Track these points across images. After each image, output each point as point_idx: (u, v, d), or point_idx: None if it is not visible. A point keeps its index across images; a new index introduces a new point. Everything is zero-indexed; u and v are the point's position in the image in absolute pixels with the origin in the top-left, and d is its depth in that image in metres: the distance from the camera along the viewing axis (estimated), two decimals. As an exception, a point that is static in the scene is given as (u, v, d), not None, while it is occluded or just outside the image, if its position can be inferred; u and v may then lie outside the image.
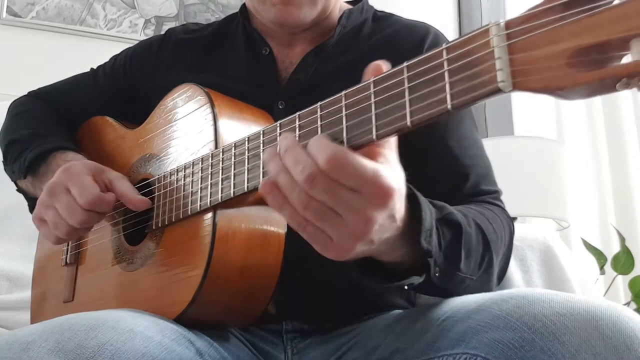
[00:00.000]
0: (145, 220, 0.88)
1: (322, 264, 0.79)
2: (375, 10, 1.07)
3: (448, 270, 0.73)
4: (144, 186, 0.90)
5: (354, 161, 0.54)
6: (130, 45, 1.16)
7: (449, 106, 0.52)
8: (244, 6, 1.05)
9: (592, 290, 1.56)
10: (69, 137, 1.07)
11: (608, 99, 2.52)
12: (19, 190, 1.08)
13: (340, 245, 0.58)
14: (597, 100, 2.56)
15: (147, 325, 0.70)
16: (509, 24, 0.49)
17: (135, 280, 0.86)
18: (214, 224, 0.76)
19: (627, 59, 0.45)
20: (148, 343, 0.67)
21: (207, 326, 0.79)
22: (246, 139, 0.72)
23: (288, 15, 0.94)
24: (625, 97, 2.53)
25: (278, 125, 0.67)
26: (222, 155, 0.75)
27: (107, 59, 1.15)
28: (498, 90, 0.49)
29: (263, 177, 0.68)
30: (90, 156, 0.99)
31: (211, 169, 0.77)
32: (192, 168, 0.80)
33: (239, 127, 0.83)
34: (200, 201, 0.77)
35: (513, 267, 1.46)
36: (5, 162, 1.07)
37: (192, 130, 0.85)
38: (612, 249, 2.30)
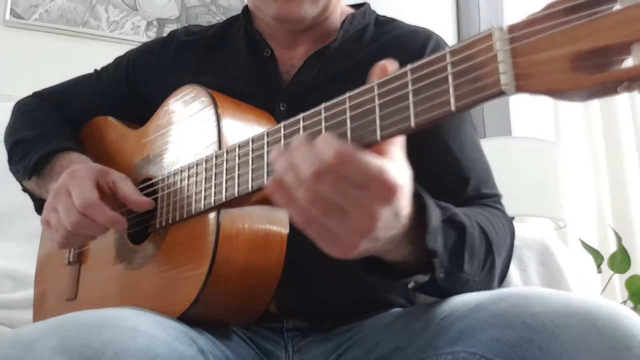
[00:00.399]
0: (148, 220, 0.89)
1: (323, 263, 0.79)
2: (378, 15, 1.07)
3: (452, 272, 0.73)
4: (147, 186, 0.90)
5: (360, 157, 0.55)
6: (133, 47, 1.16)
7: (453, 108, 0.52)
8: (246, 8, 1.06)
9: (589, 289, 1.56)
10: (73, 137, 1.07)
11: (605, 100, 2.52)
12: (25, 190, 1.08)
13: (346, 241, 0.58)
14: (595, 102, 2.56)
15: (151, 324, 0.70)
16: (512, 28, 0.50)
17: (139, 279, 0.87)
18: (218, 224, 0.76)
19: (628, 63, 0.46)
20: (151, 341, 0.67)
21: (209, 325, 0.79)
22: (250, 139, 0.72)
23: (289, 10, 0.94)
24: (622, 98, 2.54)
25: (282, 126, 0.67)
26: (226, 155, 0.76)
27: (109, 61, 1.15)
28: (501, 93, 0.50)
29: (267, 177, 0.69)
30: (93, 156, 1.00)
31: (215, 169, 0.77)
32: (196, 168, 0.81)
33: (242, 128, 0.83)
34: (204, 200, 0.78)
35: (511, 267, 1.47)
36: (10, 162, 1.08)
37: (195, 131, 0.85)
38: (608, 248, 2.31)
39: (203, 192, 0.78)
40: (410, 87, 0.56)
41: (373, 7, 1.09)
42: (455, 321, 0.67)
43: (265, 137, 0.70)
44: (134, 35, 2.14)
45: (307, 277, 0.85)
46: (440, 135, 0.92)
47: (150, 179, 0.91)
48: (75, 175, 0.87)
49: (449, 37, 2.60)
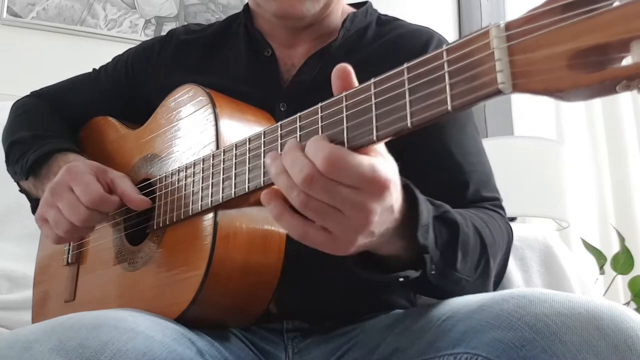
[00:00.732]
0: (146, 221, 0.88)
1: (323, 263, 0.79)
2: (379, 14, 1.06)
3: (445, 269, 0.73)
4: (146, 186, 0.90)
5: (351, 160, 0.55)
6: (131, 45, 1.16)
7: (449, 107, 0.52)
8: (247, 6, 1.05)
9: (591, 290, 1.56)
10: (71, 138, 1.07)
11: (607, 99, 2.52)
12: (22, 190, 1.08)
13: (343, 239, 0.59)
14: (597, 101, 2.56)
15: (149, 325, 0.70)
16: (509, 26, 0.49)
17: (137, 280, 0.86)
18: (215, 224, 0.76)
19: (627, 61, 0.45)
20: (149, 342, 0.67)
21: (208, 326, 0.79)
22: (247, 139, 0.72)
23: (290, 7, 0.94)
24: (624, 98, 2.53)
25: (279, 126, 0.67)
26: (224, 155, 0.75)
27: (107, 59, 1.15)
28: (498, 92, 0.49)
29: (264, 177, 0.69)
30: (92, 156, 0.99)
31: (212, 169, 0.77)
32: (194, 168, 0.81)
33: (240, 128, 0.83)
34: (202, 201, 0.78)
35: (513, 267, 1.46)
36: (7, 162, 1.08)
37: (193, 131, 0.85)
38: (611, 248, 2.31)
39: (200, 192, 0.78)
40: (406, 86, 0.55)
41: (375, 6, 1.08)
42: (457, 322, 0.67)
43: (262, 136, 0.69)
44: (132, 33, 2.14)
45: (307, 277, 0.85)
46: (442, 138, 0.91)
47: (148, 179, 0.91)
48: (75, 171, 0.86)
49: (450, 36, 2.59)
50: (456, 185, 0.90)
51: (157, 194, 0.87)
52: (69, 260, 1.01)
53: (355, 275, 0.68)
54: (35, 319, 1.06)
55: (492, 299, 0.65)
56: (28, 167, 0.99)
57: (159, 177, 0.88)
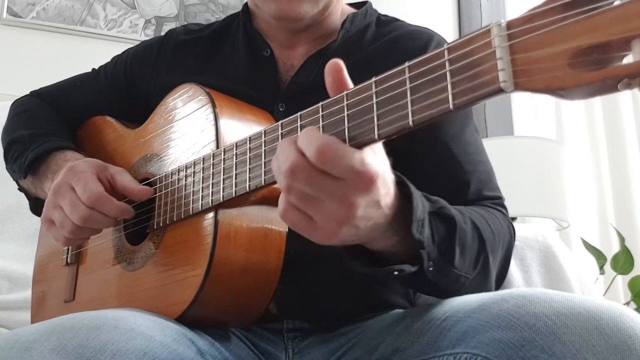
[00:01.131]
0: (146, 220, 0.88)
1: (323, 263, 0.79)
2: (379, 14, 1.06)
3: (442, 266, 0.73)
4: (145, 186, 0.90)
5: (342, 151, 0.56)
6: (131, 45, 1.16)
7: (451, 106, 0.52)
8: (246, 6, 1.05)
9: (591, 290, 1.56)
10: (69, 136, 1.07)
11: (608, 99, 2.52)
12: (20, 189, 1.08)
13: (324, 228, 0.60)
14: (597, 100, 2.56)
15: (149, 325, 0.70)
16: (510, 25, 0.49)
17: (136, 280, 0.86)
18: (216, 224, 0.76)
19: (628, 59, 0.45)
20: (149, 342, 0.67)
21: (208, 326, 0.79)
22: (248, 138, 0.72)
23: (289, 9, 0.93)
24: (625, 97, 2.53)
25: (280, 125, 0.67)
26: (224, 155, 0.75)
27: (107, 59, 1.15)
28: (500, 91, 0.49)
29: (265, 176, 0.69)
30: (92, 156, 0.99)
31: (213, 168, 0.77)
32: (194, 168, 0.80)
33: (240, 127, 0.83)
34: (202, 200, 0.78)
35: (513, 267, 1.46)
36: (6, 161, 1.07)
37: (193, 130, 0.85)
38: (611, 248, 2.31)
39: (201, 191, 0.78)
40: (408, 85, 0.55)
41: (374, 6, 1.08)
42: (456, 322, 0.67)
43: (263, 136, 0.69)
44: (132, 33, 2.14)
45: (307, 277, 0.85)
46: (442, 137, 0.91)
47: (148, 179, 0.90)
48: (76, 171, 0.86)
49: (450, 36, 2.59)
50: (457, 185, 0.90)
51: (157, 193, 0.87)
52: (69, 260, 1.01)
53: (349, 268, 0.68)
54: (34, 318, 1.06)
55: (492, 299, 0.65)
56: (26, 166, 0.99)
57: (158, 176, 0.88)
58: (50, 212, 0.88)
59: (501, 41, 0.49)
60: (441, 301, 0.76)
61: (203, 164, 0.79)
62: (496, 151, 2.01)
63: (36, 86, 1.18)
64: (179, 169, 0.84)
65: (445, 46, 0.53)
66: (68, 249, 1.02)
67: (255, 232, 0.78)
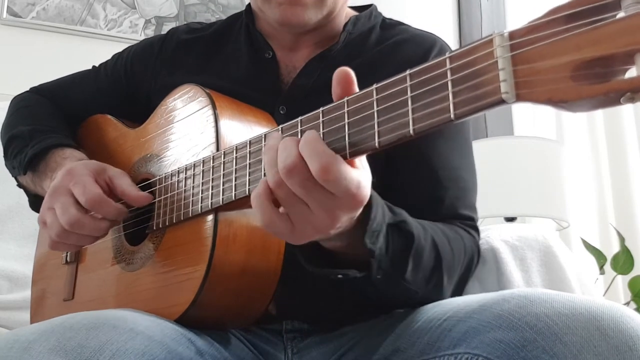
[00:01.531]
0: (145, 221, 0.88)
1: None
2: (384, 17, 1.06)
3: (392, 276, 0.73)
4: (145, 186, 0.89)
5: (344, 175, 0.57)
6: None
7: (452, 116, 0.52)
8: (249, 6, 1.04)
9: (592, 290, 1.55)
10: (69, 133, 1.06)
11: (608, 99, 2.51)
12: (19, 185, 1.08)
13: (300, 232, 0.61)
14: (597, 101, 2.55)
15: (148, 325, 0.70)
16: (512, 35, 0.49)
17: (136, 280, 0.86)
18: (215, 226, 0.76)
19: (631, 73, 0.44)
20: (149, 342, 0.67)
21: (207, 326, 0.79)
22: (248, 142, 0.71)
23: (293, 15, 0.93)
24: (625, 97, 2.53)
25: (280, 129, 0.67)
26: (224, 158, 0.75)
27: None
28: (502, 101, 0.49)
29: None
30: (92, 154, 0.99)
31: (212, 171, 0.77)
32: (194, 170, 0.80)
33: (240, 129, 0.83)
34: (202, 202, 0.77)
35: (513, 267, 1.46)
36: (5, 157, 1.07)
37: (193, 132, 0.85)
38: (611, 248, 2.30)
39: (200, 194, 0.78)
40: (409, 93, 0.55)
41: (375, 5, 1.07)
42: (457, 322, 0.67)
43: (263, 139, 0.69)
44: (132, 33, 2.13)
45: (306, 278, 0.84)
46: (425, 149, 0.90)
47: (148, 179, 0.90)
48: (74, 174, 0.86)
49: (450, 36, 2.59)
50: (431, 199, 0.89)
51: (157, 195, 0.87)
52: (68, 259, 1.01)
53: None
54: (33, 317, 1.06)
55: (493, 299, 0.65)
56: (26, 162, 0.99)
57: (158, 177, 0.88)
58: (44, 214, 0.87)
59: (503, 52, 0.49)
60: (442, 302, 0.76)
61: (203, 167, 0.79)
62: (496, 151, 2.01)
63: (36, 86, 1.18)
64: (178, 171, 0.83)
65: (447, 55, 0.53)
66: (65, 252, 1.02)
67: (254, 234, 0.78)
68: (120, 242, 0.92)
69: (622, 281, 2.28)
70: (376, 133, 0.57)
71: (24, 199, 1.08)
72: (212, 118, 0.82)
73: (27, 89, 1.18)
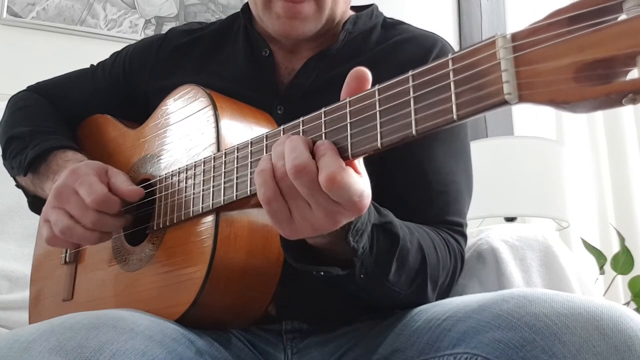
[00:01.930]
0: (146, 221, 0.88)
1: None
2: (385, 17, 1.05)
3: (375, 276, 0.73)
4: (145, 187, 0.89)
5: (349, 186, 0.57)
6: (131, 45, 1.15)
7: (455, 116, 0.52)
8: (246, 6, 1.03)
9: (592, 290, 1.55)
10: (69, 134, 1.06)
11: (608, 99, 2.51)
12: (18, 185, 1.07)
13: (298, 228, 0.61)
14: (597, 100, 2.55)
15: (148, 325, 0.70)
16: (515, 37, 0.49)
17: (135, 280, 0.86)
18: (216, 226, 0.76)
19: (633, 74, 0.45)
20: (149, 342, 0.67)
21: (208, 326, 0.79)
22: (249, 142, 0.71)
23: (292, 29, 0.93)
24: (625, 97, 2.53)
25: (282, 129, 0.67)
26: (225, 158, 0.75)
27: (107, 59, 1.14)
28: (504, 102, 0.49)
29: None
30: (91, 154, 0.99)
31: (213, 171, 0.77)
32: (194, 170, 0.80)
33: (241, 129, 0.82)
34: (202, 203, 0.77)
35: (513, 267, 1.46)
36: (4, 157, 1.06)
37: (193, 132, 0.85)
38: (611, 248, 2.30)
39: (201, 194, 0.78)
40: (411, 94, 0.55)
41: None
42: (456, 322, 0.67)
43: (265, 140, 0.69)
44: (132, 33, 2.13)
45: (306, 278, 0.85)
46: (417, 153, 0.90)
47: (148, 179, 0.90)
48: (79, 173, 0.85)
49: (450, 35, 2.59)
50: (421, 203, 0.89)
51: (157, 195, 0.87)
52: (67, 259, 1.01)
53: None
54: (32, 317, 1.06)
55: (492, 299, 0.66)
56: (27, 164, 0.98)
57: (158, 177, 0.88)
58: (48, 213, 0.87)
59: (506, 53, 0.49)
60: (441, 302, 0.76)
61: (204, 167, 0.79)
62: (496, 151, 2.01)
63: (36, 87, 1.18)
64: (179, 171, 0.83)
65: (450, 56, 0.53)
66: (72, 250, 1.02)
67: (255, 235, 0.78)
68: (120, 243, 0.91)
69: (622, 281, 2.28)
70: (379, 133, 0.57)
71: (24, 199, 1.08)
72: (212, 118, 0.82)
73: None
